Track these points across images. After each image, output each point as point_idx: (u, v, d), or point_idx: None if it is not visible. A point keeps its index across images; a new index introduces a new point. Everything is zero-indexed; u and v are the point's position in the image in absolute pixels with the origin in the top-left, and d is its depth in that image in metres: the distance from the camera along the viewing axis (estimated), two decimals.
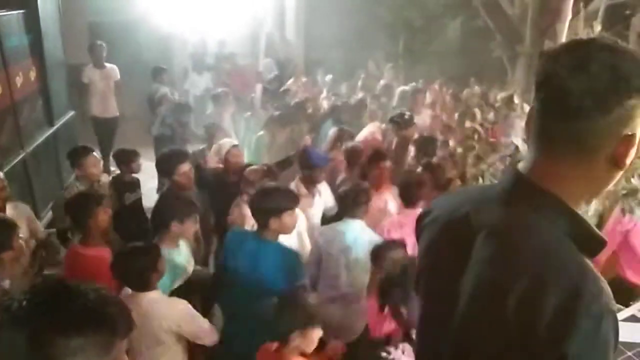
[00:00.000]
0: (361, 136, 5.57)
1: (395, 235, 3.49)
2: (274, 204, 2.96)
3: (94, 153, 4.35)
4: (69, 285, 1.09)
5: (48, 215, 5.42)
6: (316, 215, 4.19)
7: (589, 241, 1.09)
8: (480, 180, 4.21)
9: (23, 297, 1.04)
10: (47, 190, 5.71)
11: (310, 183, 4.19)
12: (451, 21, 10.44)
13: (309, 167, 4.18)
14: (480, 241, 1.13)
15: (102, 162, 4.76)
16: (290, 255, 3.07)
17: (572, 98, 1.04)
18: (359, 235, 3.40)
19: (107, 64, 7.35)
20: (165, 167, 3.90)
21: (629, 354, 1.87)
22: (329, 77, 9.02)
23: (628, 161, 1.08)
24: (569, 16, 3.59)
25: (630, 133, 1.05)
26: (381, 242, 3.14)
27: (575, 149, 1.07)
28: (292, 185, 4.13)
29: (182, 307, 2.77)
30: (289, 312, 2.44)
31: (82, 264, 3.19)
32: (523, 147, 3.96)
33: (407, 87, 7.90)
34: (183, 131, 6.31)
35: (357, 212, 3.46)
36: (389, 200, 4.10)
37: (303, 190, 4.11)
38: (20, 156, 5.11)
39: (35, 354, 1.00)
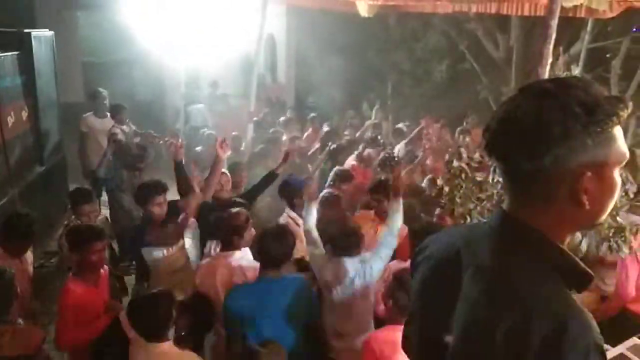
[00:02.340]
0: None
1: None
2: (283, 248, 3.10)
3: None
4: None
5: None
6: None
7: (576, 276, 1.10)
8: (468, 218, 4.24)
9: None
10: (36, 229, 5.66)
11: (298, 208, 4.28)
12: (438, 65, 10.69)
13: (293, 194, 4.32)
14: (468, 278, 1.16)
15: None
16: (305, 285, 3.15)
17: (503, 152, 1.10)
18: (359, 269, 3.40)
19: (109, 114, 6.96)
20: (141, 197, 3.92)
21: None
22: (311, 115, 9.10)
23: (589, 199, 1.07)
24: (550, 59, 3.70)
25: (578, 172, 1.06)
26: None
27: (533, 192, 1.11)
28: (282, 220, 4.19)
29: None
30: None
31: (74, 301, 3.18)
32: None
33: (401, 125, 8.06)
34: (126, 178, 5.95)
35: (350, 252, 3.44)
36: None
37: (291, 221, 4.22)
38: (9, 195, 5.09)
39: None
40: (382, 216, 4.29)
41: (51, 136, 6.47)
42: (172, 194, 4.32)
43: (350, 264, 3.42)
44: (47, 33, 6.36)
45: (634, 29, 8.37)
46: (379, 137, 7.13)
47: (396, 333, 2.88)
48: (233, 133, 7.61)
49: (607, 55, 8.91)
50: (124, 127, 6.68)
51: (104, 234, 3.43)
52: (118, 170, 5.94)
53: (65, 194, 6.74)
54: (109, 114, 6.80)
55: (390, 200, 3.86)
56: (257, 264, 3.27)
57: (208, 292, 3.45)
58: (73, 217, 4.43)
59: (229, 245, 3.54)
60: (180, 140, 4.49)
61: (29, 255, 3.89)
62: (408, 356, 1.44)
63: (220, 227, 3.61)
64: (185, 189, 4.24)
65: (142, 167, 5.95)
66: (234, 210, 3.66)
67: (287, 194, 4.45)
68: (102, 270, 3.46)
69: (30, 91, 5.76)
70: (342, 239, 3.47)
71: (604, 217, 1.16)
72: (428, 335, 1.28)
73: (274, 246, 3.08)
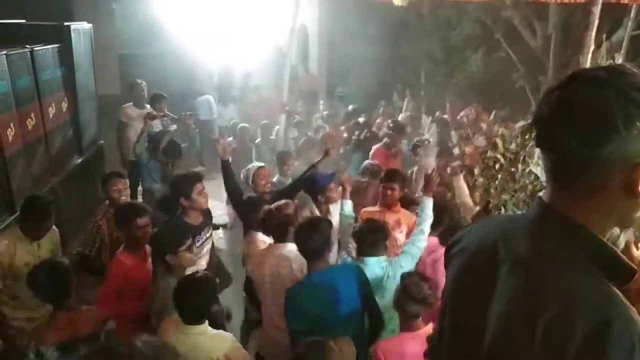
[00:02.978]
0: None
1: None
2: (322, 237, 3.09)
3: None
4: (114, 350, 1.15)
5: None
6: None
7: (617, 270, 1.07)
8: (503, 210, 4.18)
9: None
10: (75, 218, 5.83)
11: (324, 205, 4.31)
12: (473, 53, 10.48)
13: (317, 190, 4.31)
14: (506, 271, 1.13)
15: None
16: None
17: (561, 141, 1.05)
18: (376, 272, 3.34)
19: (148, 105, 6.94)
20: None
21: None
22: (350, 107, 9.12)
23: None
24: (592, 47, 3.59)
25: (636, 161, 1.03)
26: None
27: (582, 183, 1.07)
28: (307, 213, 4.19)
29: (230, 340, 2.88)
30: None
31: (124, 271, 3.38)
32: (542, 176, 3.94)
33: (445, 116, 7.98)
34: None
35: (374, 251, 3.41)
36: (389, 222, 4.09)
37: (317, 213, 4.23)
38: (50, 184, 5.25)
39: None
40: (391, 207, 4.25)
41: (89, 127, 6.63)
42: None
43: (377, 265, 3.38)
44: (86, 26, 6.51)
45: None
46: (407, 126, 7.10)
47: (404, 342, 2.90)
48: (263, 121, 7.67)
49: None
50: (160, 114, 6.74)
51: (146, 211, 3.64)
52: (150, 160, 5.99)
53: None
54: (148, 105, 6.84)
55: (423, 195, 3.80)
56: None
57: (257, 281, 3.53)
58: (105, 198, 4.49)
59: (281, 236, 3.55)
60: (230, 139, 4.48)
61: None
62: (438, 354, 1.41)
63: (270, 219, 3.63)
64: (232, 187, 4.31)
65: (172, 162, 5.94)
66: (283, 201, 3.70)
67: (312, 190, 4.42)
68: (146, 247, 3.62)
69: (70, 83, 5.90)
70: (369, 235, 3.43)
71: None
72: (461, 330, 1.26)
73: (311, 238, 3.07)
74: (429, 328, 2.82)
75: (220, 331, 2.94)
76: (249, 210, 4.10)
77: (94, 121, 6.86)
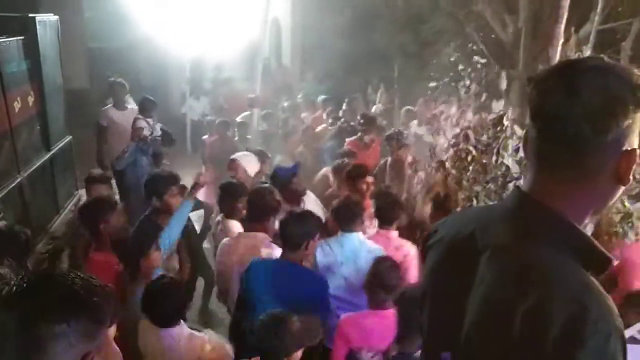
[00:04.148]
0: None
1: None
2: (307, 228, 3.07)
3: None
4: (58, 273, 1.14)
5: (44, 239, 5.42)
6: None
7: (595, 259, 1.09)
8: (475, 201, 4.22)
9: (15, 283, 1.09)
10: (43, 215, 5.70)
11: (293, 199, 4.24)
12: (445, 47, 10.56)
13: (284, 183, 4.24)
14: (485, 261, 1.14)
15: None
16: (320, 281, 3.13)
17: (569, 125, 1.06)
18: (356, 247, 3.40)
19: (130, 105, 6.56)
20: (88, 217, 3.61)
21: None
22: (321, 97, 9.05)
23: (630, 176, 1.09)
24: (561, 40, 3.66)
25: (629, 148, 1.07)
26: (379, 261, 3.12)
27: (577, 171, 1.09)
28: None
29: (202, 343, 2.81)
30: (279, 337, 2.45)
31: (90, 269, 3.26)
32: (514, 168, 3.99)
33: (413, 108, 8.02)
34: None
35: (353, 225, 3.46)
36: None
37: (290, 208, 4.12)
38: (17, 180, 5.11)
39: (22, 337, 1.05)
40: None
41: (57, 122, 6.45)
42: None
43: (356, 239, 3.42)
44: (52, 17, 6.32)
45: None
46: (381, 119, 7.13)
47: (368, 319, 2.94)
48: (238, 119, 7.58)
49: (617, 37, 8.78)
50: (150, 120, 6.38)
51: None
52: (139, 164, 5.83)
53: (73, 178, 6.80)
54: (129, 106, 6.51)
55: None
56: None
57: (223, 270, 3.52)
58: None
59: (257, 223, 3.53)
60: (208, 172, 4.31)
61: None
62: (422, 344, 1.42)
63: (253, 206, 3.60)
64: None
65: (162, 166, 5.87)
66: (265, 186, 3.71)
67: (276, 184, 4.25)
68: None
69: (36, 76, 5.73)
70: (346, 210, 3.47)
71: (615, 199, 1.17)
72: (441, 319, 1.27)
73: (295, 228, 3.07)
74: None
75: (194, 333, 2.87)
76: (227, 196, 4.02)
77: (61, 116, 6.68)
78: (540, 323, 0.99)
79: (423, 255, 1.41)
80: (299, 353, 2.54)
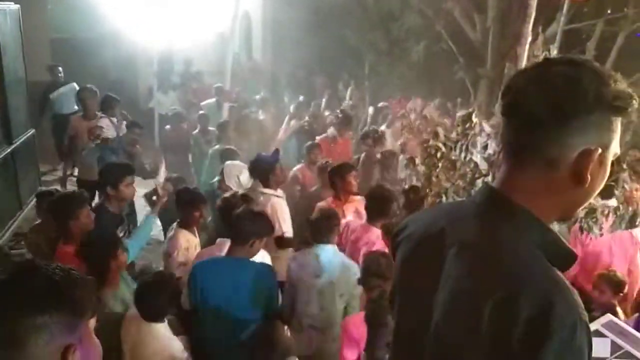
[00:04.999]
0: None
1: (351, 248, 3.65)
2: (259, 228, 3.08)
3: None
4: (38, 265, 1.11)
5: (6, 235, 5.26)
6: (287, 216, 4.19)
7: (560, 255, 1.10)
8: (444, 198, 4.27)
9: None
10: (5, 211, 5.52)
11: (275, 186, 4.21)
12: (415, 44, 10.65)
13: (267, 170, 4.17)
14: (453, 256, 1.14)
15: None
16: (268, 275, 3.10)
17: (529, 107, 1.07)
18: (331, 259, 3.37)
19: (100, 114, 6.00)
20: (62, 209, 3.50)
21: None
22: (301, 98, 9.05)
23: (590, 178, 1.07)
24: (529, 39, 3.72)
25: (592, 148, 1.06)
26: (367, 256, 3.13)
27: (538, 160, 1.09)
28: (261, 199, 4.11)
29: (178, 348, 2.79)
30: (267, 346, 2.43)
31: (64, 261, 3.16)
32: (482, 165, 4.05)
33: (383, 104, 8.07)
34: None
35: (329, 237, 3.43)
36: (348, 214, 4.17)
37: (276, 192, 4.18)
38: None
39: (1, 332, 1.02)
40: (347, 199, 4.31)
41: (19, 115, 6.26)
42: None
43: (332, 251, 3.40)
44: (12, 6, 6.10)
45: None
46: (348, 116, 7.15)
47: None
48: (200, 112, 7.53)
49: (583, 37, 9.00)
50: (114, 119, 6.08)
51: (134, 169, 3.89)
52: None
53: (36, 173, 6.61)
54: (99, 114, 5.99)
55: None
56: None
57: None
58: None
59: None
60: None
61: None
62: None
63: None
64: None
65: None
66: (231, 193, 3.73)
67: (260, 172, 4.24)
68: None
69: None
70: (324, 222, 3.44)
71: (585, 204, 1.18)
72: (410, 315, 1.27)
73: (246, 223, 3.06)
74: None
75: (173, 337, 2.85)
76: (183, 204, 3.92)
77: (23, 109, 6.48)
78: (507, 317, 0.99)
79: (393, 251, 1.40)
80: None
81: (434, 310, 1.14)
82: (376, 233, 3.72)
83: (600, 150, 1.07)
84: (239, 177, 4.71)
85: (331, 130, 6.34)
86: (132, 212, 4.40)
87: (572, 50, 8.56)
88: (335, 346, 3.27)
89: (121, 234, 3.74)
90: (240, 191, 4.13)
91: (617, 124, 1.09)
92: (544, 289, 1.01)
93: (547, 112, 1.05)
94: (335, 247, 3.48)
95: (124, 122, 6.25)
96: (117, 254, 3.00)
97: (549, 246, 1.09)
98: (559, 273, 1.06)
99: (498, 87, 9.02)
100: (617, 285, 3.57)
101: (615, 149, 1.11)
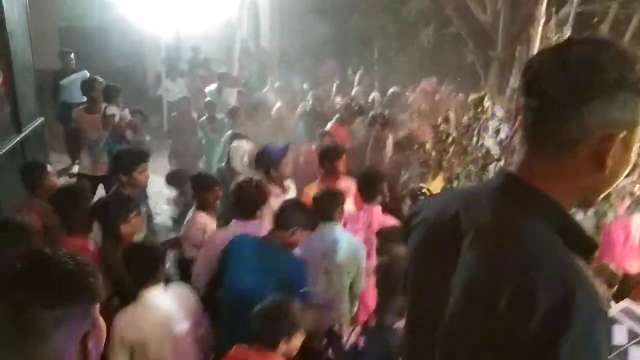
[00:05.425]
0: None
1: (350, 228, 3.63)
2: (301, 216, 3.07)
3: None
4: (49, 256, 1.11)
5: None
6: None
7: (581, 243, 1.06)
8: (455, 183, 4.23)
9: (5, 269, 1.07)
10: (14, 199, 5.54)
11: (278, 180, 4.14)
12: (424, 28, 10.52)
13: (273, 163, 4.11)
14: (469, 242, 1.10)
15: None
16: (300, 265, 3.08)
17: (547, 87, 1.03)
18: (337, 238, 3.37)
19: (105, 104, 5.79)
20: (60, 205, 3.50)
21: (609, 356, 1.87)
22: (305, 85, 9.04)
23: (611, 163, 1.03)
24: (542, 21, 3.65)
25: (613, 132, 1.01)
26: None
27: (556, 143, 1.05)
28: None
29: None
30: (277, 320, 2.43)
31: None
32: (494, 149, 4.00)
33: (397, 89, 8.00)
34: None
35: (333, 216, 3.43)
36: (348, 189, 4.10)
37: (275, 189, 4.04)
38: None
39: (20, 323, 1.02)
40: (337, 178, 4.24)
41: (28, 103, 6.25)
42: None
43: (337, 230, 3.39)
44: None
45: None
46: (360, 103, 7.12)
47: None
48: (206, 99, 7.50)
49: (595, 20, 8.83)
50: (119, 108, 6.06)
51: (149, 155, 3.87)
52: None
53: (45, 161, 6.62)
54: (103, 105, 5.91)
55: None
56: None
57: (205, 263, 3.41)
58: None
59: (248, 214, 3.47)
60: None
61: None
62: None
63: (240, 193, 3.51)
64: None
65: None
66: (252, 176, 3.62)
67: (264, 164, 4.15)
68: None
69: (4, 55, 5.52)
70: (329, 200, 3.44)
71: (606, 192, 1.12)
72: (424, 302, 1.23)
73: (291, 212, 3.07)
74: None
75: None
76: (196, 187, 3.96)
77: (32, 97, 6.46)
78: (525, 307, 0.95)
79: (405, 236, 1.36)
80: (297, 341, 2.50)
81: (449, 297, 1.10)
82: (377, 209, 3.75)
83: (622, 135, 1.02)
84: (244, 157, 4.71)
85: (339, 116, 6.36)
86: (145, 198, 4.42)
87: (585, 32, 8.41)
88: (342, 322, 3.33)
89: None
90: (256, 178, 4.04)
91: None
92: (563, 277, 0.97)
93: (564, 91, 1.01)
94: (340, 225, 3.46)
95: (127, 110, 6.24)
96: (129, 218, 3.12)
97: (568, 233, 1.04)
98: (579, 261, 1.02)
99: (509, 71, 8.88)
100: (609, 278, 3.49)
101: None
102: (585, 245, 1.07)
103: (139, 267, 2.73)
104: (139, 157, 3.85)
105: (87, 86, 6.06)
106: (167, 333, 2.63)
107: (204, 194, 3.92)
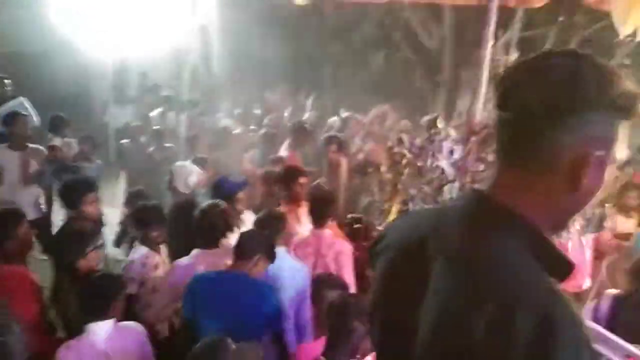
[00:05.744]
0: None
1: (299, 253, 3.55)
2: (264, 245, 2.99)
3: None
4: None
5: None
6: None
7: (557, 264, 1.00)
8: (411, 205, 4.22)
9: None
10: None
11: (235, 213, 3.95)
12: (374, 55, 10.74)
13: (227, 197, 3.92)
14: (439, 267, 1.03)
15: None
16: (269, 295, 2.95)
17: (522, 100, 0.98)
18: (281, 262, 3.22)
19: (32, 145, 5.17)
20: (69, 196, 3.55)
21: None
22: (257, 110, 9.00)
23: (585, 182, 0.98)
24: (491, 43, 3.75)
25: (589, 150, 0.97)
26: (321, 278, 3.12)
27: (530, 160, 1.00)
28: None
29: None
30: None
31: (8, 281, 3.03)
32: (448, 170, 4.02)
33: (348, 114, 8.04)
34: None
35: (276, 240, 3.29)
36: (302, 217, 4.05)
37: None
38: None
39: None
40: (299, 203, 4.16)
41: None
42: None
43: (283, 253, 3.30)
44: None
45: None
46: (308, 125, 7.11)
47: None
48: (154, 127, 7.35)
49: (537, 44, 9.21)
50: (65, 139, 5.77)
51: (95, 184, 3.76)
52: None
53: None
54: (29, 145, 5.17)
55: None
56: None
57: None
58: None
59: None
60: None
61: None
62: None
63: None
64: None
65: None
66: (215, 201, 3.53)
67: (219, 197, 3.90)
68: None
69: None
70: (268, 222, 3.35)
71: (574, 216, 1.07)
72: (392, 330, 1.15)
73: (254, 239, 2.99)
74: None
75: None
76: (142, 223, 3.62)
77: None
78: (503, 335, 0.88)
79: (371, 262, 1.29)
80: None
81: (420, 327, 1.03)
82: (327, 233, 3.67)
83: (599, 153, 0.97)
84: (187, 179, 4.67)
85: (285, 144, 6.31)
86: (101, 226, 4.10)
87: (529, 55, 8.74)
88: None
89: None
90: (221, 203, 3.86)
91: (619, 125, 0.99)
92: (541, 302, 0.91)
93: (540, 105, 0.95)
94: (282, 249, 3.33)
95: (74, 140, 5.97)
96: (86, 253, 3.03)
97: (544, 255, 0.98)
98: (556, 284, 0.96)
99: (455, 94, 9.14)
100: None
101: (614, 153, 1.01)
102: (561, 267, 1.01)
103: (90, 300, 2.68)
104: (85, 187, 3.64)
105: (8, 120, 5.15)
106: None
107: (146, 231, 3.60)
